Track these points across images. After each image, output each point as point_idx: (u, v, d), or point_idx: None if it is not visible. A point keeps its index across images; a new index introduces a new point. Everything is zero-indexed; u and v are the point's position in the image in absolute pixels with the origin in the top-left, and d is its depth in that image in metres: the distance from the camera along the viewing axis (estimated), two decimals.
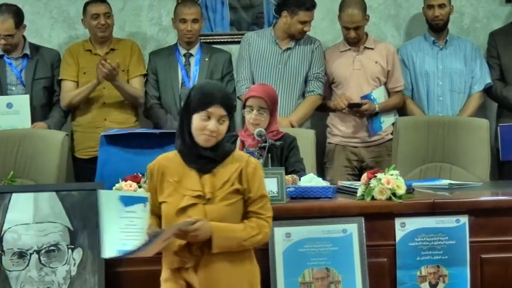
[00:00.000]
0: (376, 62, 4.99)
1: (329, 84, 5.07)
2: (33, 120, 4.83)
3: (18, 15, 4.85)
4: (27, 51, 4.96)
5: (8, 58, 4.93)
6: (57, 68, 5.02)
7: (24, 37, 4.99)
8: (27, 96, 4.86)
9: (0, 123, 4.76)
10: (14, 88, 4.92)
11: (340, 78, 5.01)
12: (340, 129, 5.01)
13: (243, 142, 3.98)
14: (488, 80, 5.10)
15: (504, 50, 5.17)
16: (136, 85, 4.99)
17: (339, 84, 5.02)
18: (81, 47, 5.05)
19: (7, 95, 4.88)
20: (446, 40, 5.13)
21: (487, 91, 5.15)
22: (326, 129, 5.11)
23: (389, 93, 5.06)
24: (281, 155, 3.96)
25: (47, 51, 5.06)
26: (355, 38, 4.94)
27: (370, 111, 4.91)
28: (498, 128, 4.77)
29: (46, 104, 4.98)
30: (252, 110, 3.93)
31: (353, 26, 4.90)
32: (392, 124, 4.97)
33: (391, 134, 4.98)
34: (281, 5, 5.01)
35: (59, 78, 4.97)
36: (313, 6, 4.89)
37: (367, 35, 5.06)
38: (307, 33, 5.16)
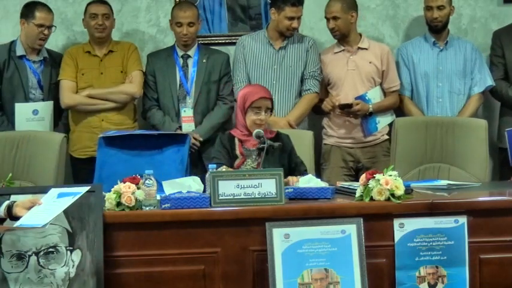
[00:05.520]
0: (370, 62, 5.00)
1: (325, 87, 5.08)
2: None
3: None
4: (46, 54, 4.98)
5: (28, 60, 4.93)
6: None
7: None
8: (51, 103, 4.93)
9: (26, 129, 4.75)
10: (34, 92, 4.93)
11: (334, 79, 5.02)
12: (335, 130, 5.02)
13: (241, 142, 3.99)
14: (490, 82, 5.10)
15: (509, 49, 5.16)
16: (136, 79, 4.99)
17: (334, 85, 5.03)
18: (81, 49, 5.07)
19: (29, 98, 4.91)
20: (447, 41, 5.13)
21: (491, 91, 5.15)
22: (322, 131, 5.12)
23: (385, 93, 5.07)
24: (280, 154, 3.98)
25: (57, 55, 5.09)
26: (333, 29, 4.96)
27: (363, 111, 4.92)
28: (506, 132, 4.73)
29: (58, 109, 5.00)
30: (260, 112, 3.95)
31: (330, 15, 4.93)
32: (389, 124, 4.98)
33: (387, 134, 4.99)
34: (270, 3, 5.04)
35: (58, 79, 4.98)
36: (299, 1, 4.91)
37: (361, 35, 5.07)
38: (301, 32, 5.18)
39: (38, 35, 4.86)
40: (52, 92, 4.97)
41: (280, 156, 3.97)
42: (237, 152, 3.99)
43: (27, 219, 3.05)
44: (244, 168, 3.89)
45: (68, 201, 3.10)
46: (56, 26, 4.97)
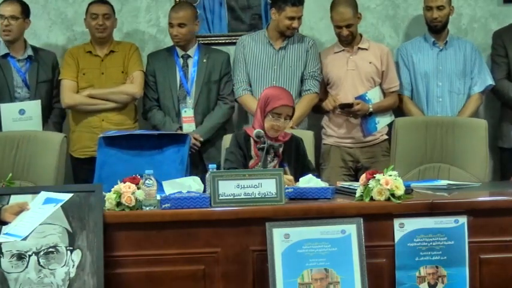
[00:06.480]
0: (370, 63, 4.99)
1: (324, 86, 5.07)
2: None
3: (25, 5, 4.93)
4: (31, 53, 4.97)
5: (12, 58, 4.93)
6: (57, 69, 5.03)
7: (25, 39, 5.00)
8: (39, 102, 4.89)
9: (14, 129, 4.74)
10: (20, 91, 4.92)
11: (334, 79, 5.01)
12: (334, 129, 5.01)
13: (256, 142, 3.96)
14: (490, 82, 5.09)
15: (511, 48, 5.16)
16: (136, 79, 4.98)
17: (334, 85, 5.02)
18: (82, 49, 5.06)
19: (14, 97, 4.89)
20: (447, 41, 5.12)
21: (493, 90, 5.15)
22: (321, 131, 5.11)
23: (384, 93, 5.06)
24: (296, 157, 3.99)
25: (46, 54, 5.07)
26: (348, 36, 4.93)
27: (363, 111, 4.91)
28: (511, 133, 4.74)
29: (47, 108, 4.99)
30: (280, 118, 3.91)
31: (344, 24, 4.90)
32: (388, 125, 4.97)
33: (386, 134, 4.99)
34: (271, 3, 5.04)
35: (59, 78, 4.97)
36: (299, 1, 4.90)
37: (361, 35, 5.07)
38: (301, 32, 5.18)
39: (1, 26, 4.86)
40: (39, 90, 4.95)
41: (293, 159, 3.96)
42: (252, 153, 3.96)
43: (13, 226, 3.06)
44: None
45: (49, 210, 3.10)
46: (30, 20, 4.97)
